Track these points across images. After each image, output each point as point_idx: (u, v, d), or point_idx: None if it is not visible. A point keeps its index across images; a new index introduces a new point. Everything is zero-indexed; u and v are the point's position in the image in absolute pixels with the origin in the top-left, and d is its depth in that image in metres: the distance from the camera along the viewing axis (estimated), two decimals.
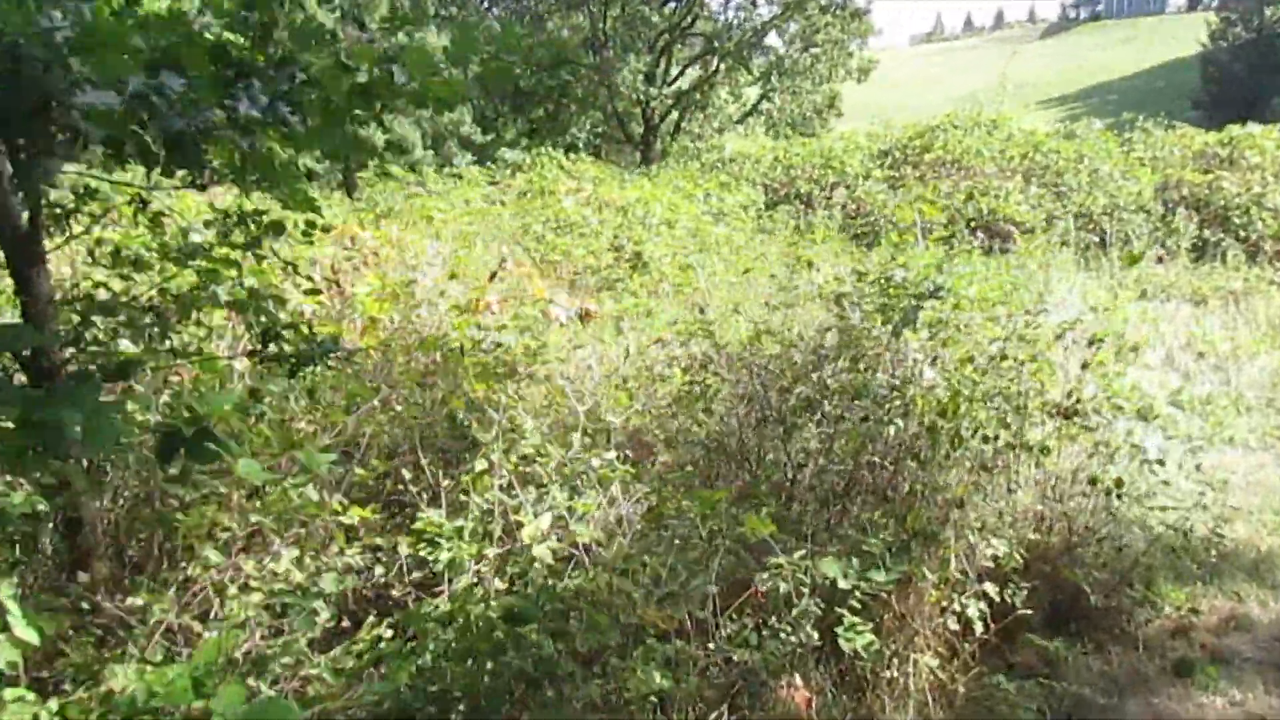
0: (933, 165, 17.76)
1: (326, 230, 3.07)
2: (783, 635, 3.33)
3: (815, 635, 3.35)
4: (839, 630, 3.43)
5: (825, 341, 4.23)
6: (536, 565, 2.93)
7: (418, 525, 3.07)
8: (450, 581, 3.00)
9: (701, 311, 4.58)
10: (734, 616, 3.29)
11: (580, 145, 33.86)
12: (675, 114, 35.00)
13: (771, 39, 35.49)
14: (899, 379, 4.33)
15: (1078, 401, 4.40)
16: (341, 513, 3.06)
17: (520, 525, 3.08)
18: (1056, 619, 4.17)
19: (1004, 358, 4.38)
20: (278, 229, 3.05)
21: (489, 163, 23.31)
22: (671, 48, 34.92)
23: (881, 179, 17.56)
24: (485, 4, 35.22)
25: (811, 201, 17.77)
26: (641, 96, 33.56)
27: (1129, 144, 17.86)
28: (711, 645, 3.21)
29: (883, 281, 4.28)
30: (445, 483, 3.27)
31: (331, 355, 3.58)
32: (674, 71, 35.34)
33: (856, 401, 3.96)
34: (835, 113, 36.07)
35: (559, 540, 3.09)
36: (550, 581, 2.92)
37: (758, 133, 35.13)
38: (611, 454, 3.38)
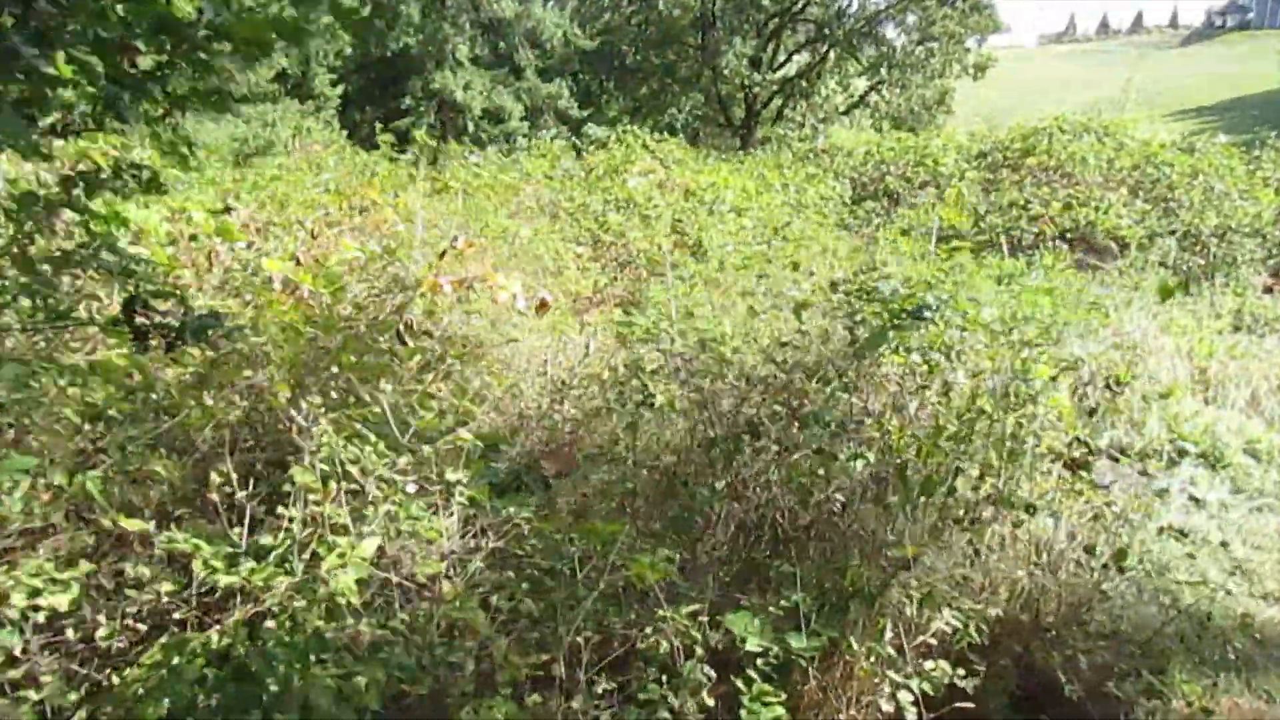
0: (1033, 170, 16.68)
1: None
2: (669, 700, 2.85)
3: (707, 703, 2.85)
4: (744, 700, 2.93)
5: (779, 356, 3.66)
6: (339, 601, 2.49)
7: (164, 539, 2.64)
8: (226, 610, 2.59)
9: (627, 312, 4.04)
10: (607, 671, 2.81)
11: (678, 127, 33.34)
12: (778, 101, 34.10)
13: (886, 30, 34.17)
14: (877, 408, 3.75)
15: (1089, 452, 3.74)
16: (112, 521, 2.68)
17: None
18: (1031, 708, 3.53)
19: (1005, 394, 3.75)
20: (95, 181, 2.68)
21: (579, 137, 23.04)
22: (781, 33, 33.98)
23: (976, 181, 16.58)
24: None
25: (899, 199, 17.04)
26: (745, 81, 32.85)
27: (1255, 162, 16.36)
28: (575, 703, 2.74)
29: (861, 293, 3.68)
30: (243, 493, 2.84)
31: (210, 331, 3.24)
32: (780, 57, 34.41)
33: (806, 430, 3.39)
34: (945, 110, 34.46)
35: (392, 572, 2.65)
36: (334, 625, 2.48)
37: (864, 125, 34.05)
38: (459, 475, 2.91)
